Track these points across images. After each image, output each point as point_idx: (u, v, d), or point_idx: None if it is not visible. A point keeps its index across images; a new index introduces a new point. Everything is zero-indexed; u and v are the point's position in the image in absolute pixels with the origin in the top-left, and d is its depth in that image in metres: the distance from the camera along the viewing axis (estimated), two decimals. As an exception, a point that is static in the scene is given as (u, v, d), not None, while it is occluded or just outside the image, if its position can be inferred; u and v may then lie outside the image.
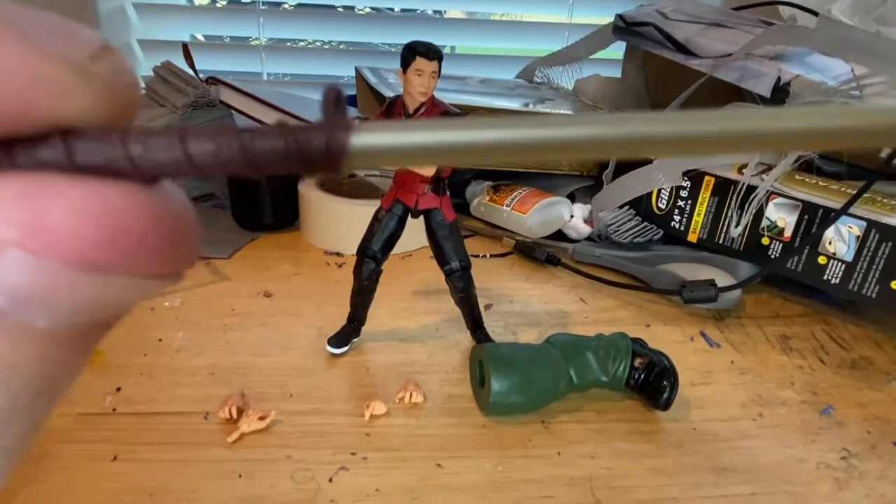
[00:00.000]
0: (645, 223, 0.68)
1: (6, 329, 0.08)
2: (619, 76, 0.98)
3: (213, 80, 0.77)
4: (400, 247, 0.46)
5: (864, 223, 0.53)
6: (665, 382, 0.42)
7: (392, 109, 0.42)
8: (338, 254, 0.65)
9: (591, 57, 0.96)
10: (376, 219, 0.45)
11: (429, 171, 0.40)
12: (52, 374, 0.09)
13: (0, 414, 0.08)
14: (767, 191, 0.59)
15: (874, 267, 0.52)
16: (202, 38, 1.15)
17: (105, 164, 0.08)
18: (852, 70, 0.61)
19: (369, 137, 0.09)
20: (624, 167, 0.70)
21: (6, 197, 0.08)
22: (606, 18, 0.91)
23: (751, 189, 0.60)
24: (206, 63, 0.89)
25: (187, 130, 0.09)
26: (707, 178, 0.64)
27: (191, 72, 0.77)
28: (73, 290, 0.08)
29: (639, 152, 0.10)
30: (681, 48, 0.74)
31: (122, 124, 0.09)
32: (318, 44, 1.22)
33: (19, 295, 0.08)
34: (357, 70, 0.91)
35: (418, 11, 1.14)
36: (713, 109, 0.10)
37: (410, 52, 0.39)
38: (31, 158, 0.08)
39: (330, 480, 0.36)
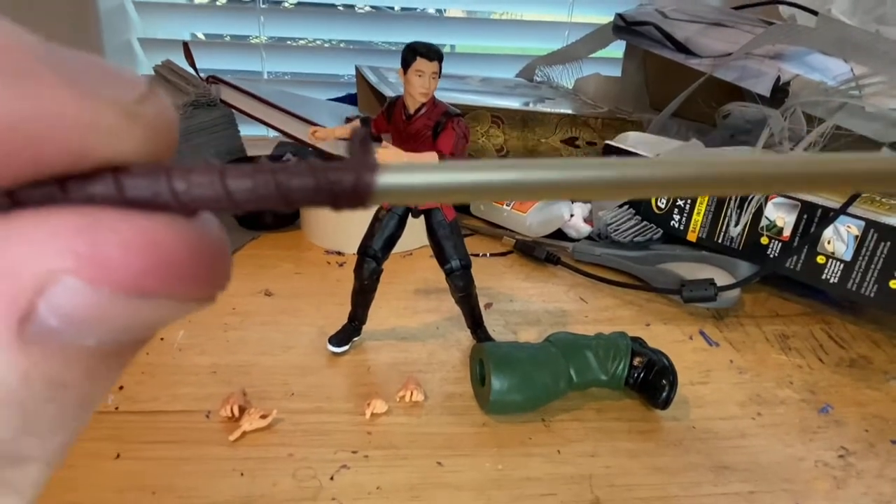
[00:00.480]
0: (644, 222, 0.68)
1: (59, 349, 0.09)
2: (619, 75, 0.98)
3: (214, 79, 0.77)
4: (400, 246, 0.47)
5: (862, 223, 0.53)
6: (664, 381, 0.42)
7: (392, 110, 0.42)
8: (339, 253, 0.66)
9: (591, 56, 0.96)
10: (377, 218, 0.45)
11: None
12: (95, 387, 0.10)
13: (48, 426, 0.09)
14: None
15: (873, 266, 0.53)
16: (203, 37, 1.15)
17: (151, 199, 0.09)
18: (852, 70, 0.61)
19: (393, 177, 0.10)
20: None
21: (63, 229, 0.09)
22: (606, 18, 0.91)
23: (750, 188, 0.60)
24: (207, 62, 0.90)
25: (227, 168, 0.09)
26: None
27: (191, 70, 0.77)
28: (121, 313, 0.09)
29: (643, 194, 0.10)
30: (681, 47, 0.74)
31: (165, 159, 0.10)
32: (318, 42, 1.22)
33: (73, 318, 0.09)
34: (357, 69, 0.91)
35: (418, 10, 1.14)
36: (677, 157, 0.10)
37: (411, 53, 0.39)
38: (84, 194, 0.09)
39: (331, 479, 0.36)
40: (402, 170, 0.10)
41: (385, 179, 0.09)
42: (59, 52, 0.09)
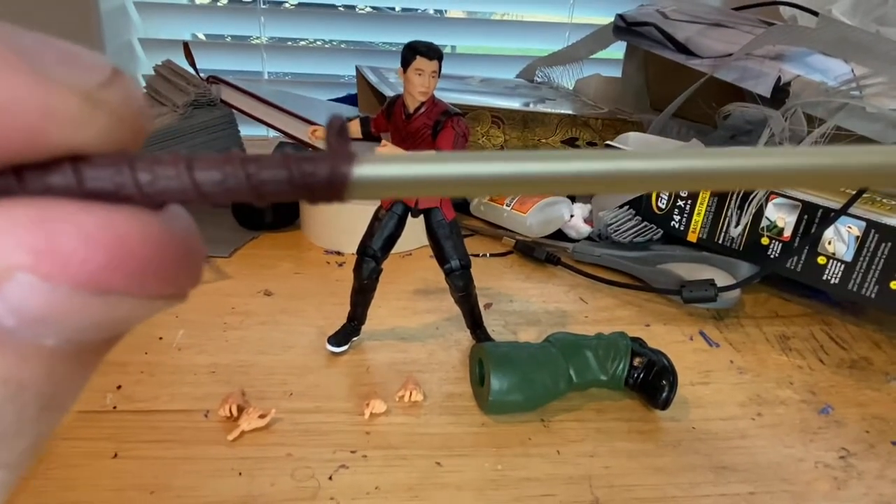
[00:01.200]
0: (645, 223, 0.68)
1: (15, 347, 0.08)
2: (620, 76, 0.98)
3: (214, 79, 0.77)
4: (400, 246, 0.47)
5: (863, 223, 0.53)
6: (664, 382, 0.42)
7: (392, 109, 0.42)
8: (338, 253, 0.66)
9: (591, 57, 0.96)
10: (376, 218, 0.45)
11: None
12: (58, 388, 0.09)
13: (7, 428, 0.09)
14: (767, 191, 0.59)
15: (873, 267, 0.52)
16: (203, 37, 1.15)
17: (114, 191, 0.08)
18: (852, 70, 0.61)
19: (370, 169, 0.09)
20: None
21: (18, 222, 0.08)
22: (607, 18, 0.91)
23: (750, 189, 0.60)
24: (208, 62, 0.90)
25: (194, 158, 0.09)
26: (707, 177, 0.64)
27: (192, 71, 0.77)
28: (81, 310, 0.08)
29: (630, 189, 0.10)
30: (681, 48, 0.74)
31: (131, 149, 0.09)
32: (318, 43, 1.23)
33: (29, 316, 0.08)
34: (358, 69, 0.91)
35: (419, 11, 1.15)
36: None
37: (411, 52, 0.39)
38: (42, 184, 0.08)
39: (330, 478, 0.36)
40: (379, 161, 0.09)
41: (362, 171, 0.09)
42: (14, 31, 0.08)
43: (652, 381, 0.42)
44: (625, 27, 0.83)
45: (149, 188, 0.09)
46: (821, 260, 0.56)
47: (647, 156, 0.10)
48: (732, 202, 0.62)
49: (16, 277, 0.08)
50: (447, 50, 1.19)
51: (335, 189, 0.09)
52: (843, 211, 0.54)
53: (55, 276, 0.08)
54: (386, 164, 0.09)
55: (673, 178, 0.10)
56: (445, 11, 1.17)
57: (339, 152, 0.09)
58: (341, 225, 0.65)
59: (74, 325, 0.08)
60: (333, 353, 0.47)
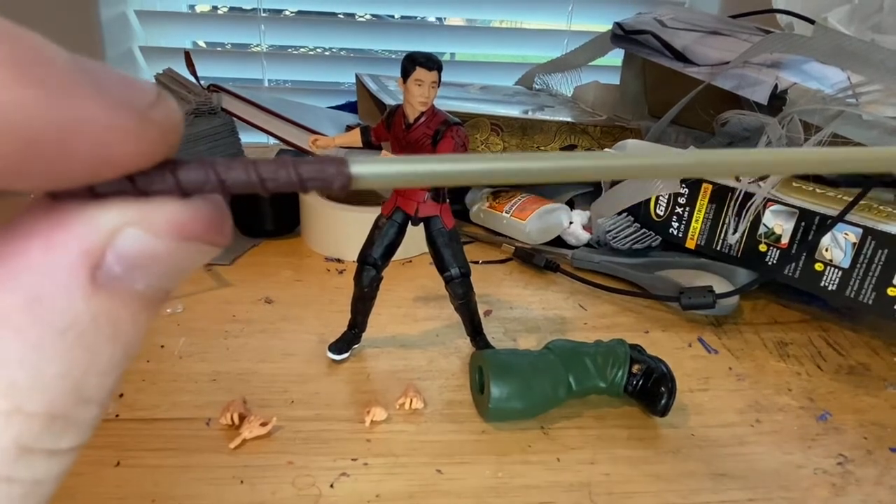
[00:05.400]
0: (643, 230, 0.68)
1: (117, 293, 0.11)
2: (618, 83, 0.98)
3: (215, 88, 0.77)
4: (400, 253, 0.47)
5: (860, 230, 0.53)
6: (663, 388, 0.42)
7: (392, 118, 0.43)
8: (339, 260, 0.66)
9: (589, 64, 0.97)
10: (377, 226, 0.45)
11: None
12: (137, 334, 0.11)
13: (104, 367, 0.11)
14: (764, 198, 0.59)
15: (870, 274, 0.53)
16: (204, 45, 1.16)
17: (166, 191, 0.11)
18: (849, 78, 0.62)
19: (359, 168, 0.12)
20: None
21: (127, 200, 0.11)
22: (605, 26, 0.92)
23: (748, 196, 0.60)
24: (208, 70, 0.90)
25: (259, 162, 0.12)
26: (705, 185, 0.64)
27: (192, 79, 0.78)
28: (171, 255, 0.11)
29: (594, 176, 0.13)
30: (679, 56, 0.75)
31: (171, 156, 0.12)
32: (319, 51, 1.23)
33: (131, 262, 0.11)
34: (357, 77, 0.91)
35: (419, 18, 1.15)
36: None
37: (410, 63, 0.39)
38: (147, 185, 0.11)
39: (331, 486, 0.36)
40: (366, 162, 0.12)
41: (355, 170, 0.12)
42: (86, 63, 0.10)
43: (651, 388, 0.42)
44: (623, 35, 0.83)
45: (227, 182, 0.12)
46: (818, 267, 0.56)
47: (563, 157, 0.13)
48: (730, 209, 0.62)
49: (127, 232, 0.11)
50: (446, 57, 1.20)
51: (343, 188, 0.12)
52: (840, 218, 0.54)
53: (158, 228, 0.11)
54: (376, 165, 0.12)
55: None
56: (445, 19, 1.18)
57: (333, 158, 0.12)
58: (342, 232, 0.65)
59: (160, 270, 0.11)
60: (334, 361, 0.47)
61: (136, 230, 0.11)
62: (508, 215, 0.73)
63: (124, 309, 0.11)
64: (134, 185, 0.11)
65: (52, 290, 0.10)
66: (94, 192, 0.11)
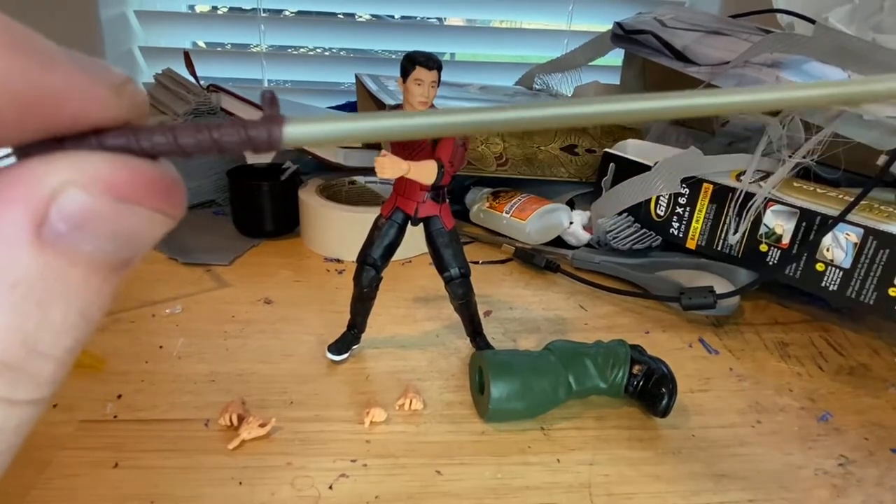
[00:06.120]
0: (644, 230, 0.68)
1: (63, 251, 0.11)
2: (618, 83, 0.98)
3: (215, 88, 0.77)
4: (400, 254, 0.47)
5: (861, 230, 0.53)
6: (663, 389, 0.42)
7: (392, 118, 0.42)
8: (338, 260, 0.66)
9: (590, 64, 0.96)
10: (376, 226, 0.45)
11: (428, 179, 0.40)
12: (90, 298, 0.12)
13: (56, 324, 0.11)
14: (765, 198, 0.59)
15: (871, 274, 0.53)
16: (203, 46, 1.16)
17: (124, 148, 0.12)
18: (849, 77, 0.62)
19: (294, 129, 0.13)
20: (623, 174, 0.71)
21: (70, 159, 0.12)
22: (605, 26, 0.91)
23: (749, 196, 0.60)
24: (208, 70, 0.90)
25: (177, 127, 0.13)
26: (705, 185, 0.64)
27: (192, 79, 0.78)
28: (109, 216, 0.12)
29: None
30: (679, 56, 0.74)
31: (139, 123, 0.13)
32: (318, 51, 1.23)
33: (74, 221, 0.11)
34: (357, 77, 0.91)
35: (418, 18, 1.15)
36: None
37: (410, 62, 0.39)
38: (77, 146, 0.12)
39: (330, 487, 0.36)
40: (300, 122, 0.13)
41: (289, 130, 0.13)
42: (70, 51, 0.12)
43: (651, 389, 0.42)
44: (623, 35, 0.83)
45: (148, 149, 0.13)
46: (819, 267, 0.56)
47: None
48: (731, 209, 0.62)
49: (68, 191, 0.11)
50: (446, 57, 1.19)
51: (272, 145, 0.13)
52: (841, 218, 0.54)
53: (93, 188, 0.11)
54: (305, 125, 0.13)
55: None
56: (445, 19, 1.17)
57: (271, 118, 0.13)
58: (341, 233, 0.65)
59: (104, 231, 0.12)
60: (333, 362, 0.47)
61: (76, 189, 0.11)
62: (508, 215, 0.73)
63: (73, 269, 0.12)
64: (63, 147, 0.12)
65: (0, 245, 0.11)
66: (61, 145, 0.12)
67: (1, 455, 0.12)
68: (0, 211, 0.11)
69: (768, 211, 0.59)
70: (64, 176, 0.11)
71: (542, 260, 0.66)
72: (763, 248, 0.60)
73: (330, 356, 0.47)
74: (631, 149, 0.75)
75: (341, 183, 0.75)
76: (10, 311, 0.11)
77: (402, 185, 0.44)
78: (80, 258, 0.12)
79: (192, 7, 1.13)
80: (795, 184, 0.61)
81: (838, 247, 0.54)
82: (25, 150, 0.12)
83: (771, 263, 0.59)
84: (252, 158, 0.83)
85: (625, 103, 0.13)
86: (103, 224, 0.12)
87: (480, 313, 0.48)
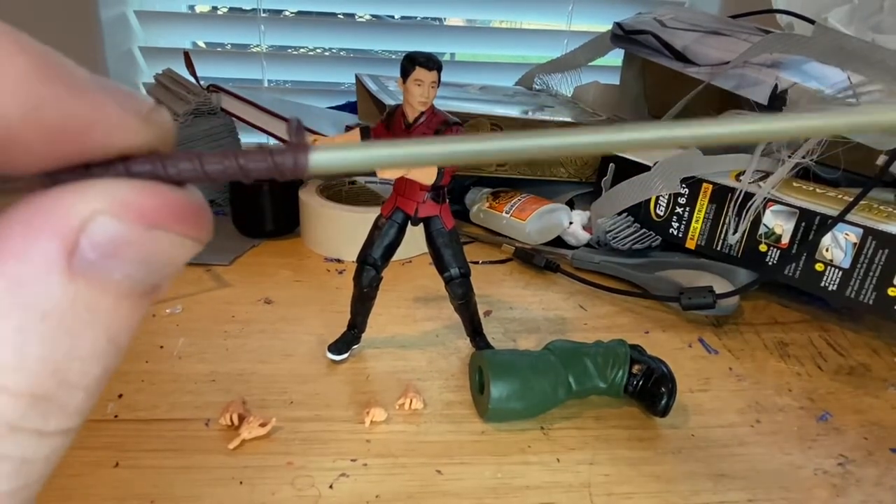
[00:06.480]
0: (643, 230, 0.68)
1: (94, 280, 0.11)
2: (618, 83, 0.98)
3: (215, 88, 0.77)
4: (400, 253, 0.47)
5: (860, 230, 0.53)
6: (663, 389, 0.42)
7: (392, 119, 0.42)
8: (338, 260, 0.66)
9: (589, 64, 0.97)
10: (376, 226, 0.45)
11: (428, 180, 0.40)
12: (119, 324, 0.12)
13: (85, 352, 0.11)
14: (765, 198, 0.59)
15: (871, 274, 0.53)
16: (203, 46, 1.16)
17: (151, 174, 0.12)
18: (848, 78, 0.62)
19: (320, 157, 0.13)
20: (623, 174, 0.71)
21: (100, 186, 0.12)
22: (605, 26, 0.91)
23: (748, 196, 0.60)
24: (208, 70, 0.90)
25: (203, 154, 0.13)
26: (705, 185, 0.64)
27: (192, 79, 0.78)
28: (139, 244, 0.12)
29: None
30: (679, 56, 0.74)
31: (165, 150, 0.13)
32: (318, 51, 1.23)
33: (104, 249, 0.11)
34: (357, 77, 0.91)
35: (418, 19, 1.15)
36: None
37: (410, 63, 0.39)
38: (104, 173, 0.12)
39: (330, 487, 0.36)
40: (325, 150, 0.13)
41: (315, 158, 0.13)
42: (100, 77, 0.12)
43: (651, 389, 0.42)
44: (623, 35, 0.83)
45: (175, 175, 0.13)
46: (818, 267, 0.56)
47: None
48: (730, 209, 0.62)
49: (98, 219, 0.11)
50: (446, 57, 1.20)
51: (298, 172, 0.13)
52: (840, 218, 0.54)
53: (123, 215, 0.11)
54: (329, 152, 0.13)
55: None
56: (444, 19, 1.17)
57: (298, 146, 0.13)
58: (341, 233, 0.65)
59: (134, 257, 0.12)
60: (333, 361, 0.47)
61: (106, 217, 0.11)
62: (508, 215, 0.73)
63: (104, 297, 0.11)
64: (90, 174, 0.12)
65: (31, 275, 0.11)
66: (88, 172, 0.12)
67: (32, 486, 0.11)
68: (30, 240, 0.11)
69: (768, 211, 0.59)
70: (93, 204, 0.11)
71: (541, 260, 0.66)
72: (762, 248, 0.60)
73: (330, 356, 0.47)
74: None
75: (341, 183, 0.75)
76: (41, 341, 0.11)
77: (403, 186, 0.44)
78: (110, 286, 0.11)
79: (192, 7, 1.13)
80: (795, 184, 0.61)
81: (838, 247, 0.55)
82: (53, 177, 0.12)
83: (770, 263, 0.60)
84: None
85: (623, 133, 0.13)
86: (133, 251, 0.12)
87: (480, 313, 0.48)
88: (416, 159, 0.13)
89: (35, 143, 0.11)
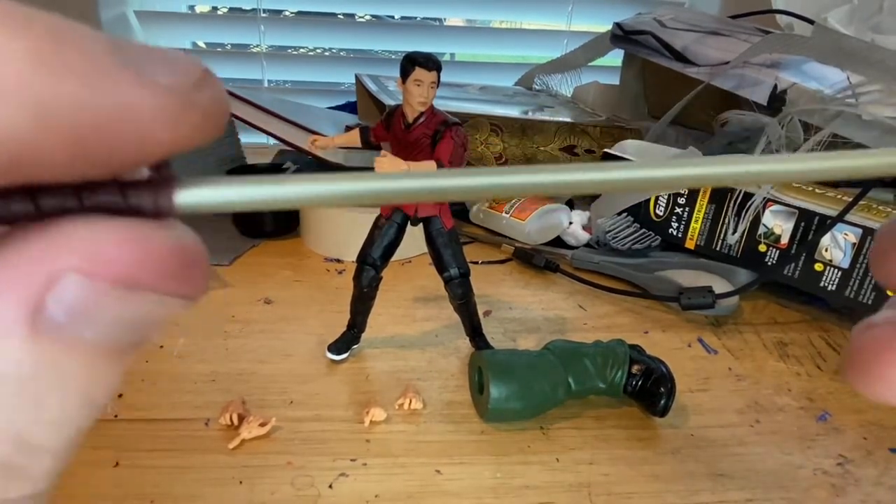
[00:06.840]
0: (643, 230, 0.68)
1: (64, 342, 0.10)
2: (618, 83, 0.98)
3: (215, 88, 0.77)
4: (399, 253, 0.47)
5: (859, 230, 0.53)
6: (662, 389, 0.42)
7: (391, 119, 0.43)
8: (338, 260, 0.66)
9: (589, 64, 0.97)
10: (376, 226, 0.45)
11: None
12: (95, 384, 0.11)
13: (54, 416, 0.10)
14: (764, 198, 0.59)
15: (870, 274, 0.53)
16: (203, 46, 1.16)
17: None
18: (848, 78, 0.62)
19: (189, 195, 0.11)
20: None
21: (68, 235, 0.10)
22: (605, 26, 0.92)
23: (748, 196, 0.60)
24: (208, 70, 0.90)
25: (40, 190, 0.10)
26: (704, 185, 0.64)
27: (192, 79, 0.78)
28: (115, 304, 0.10)
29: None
30: (678, 56, 0.75)
31: (208, 140, 0.11)
32: (318, 51, 1.23)
33: (75, 311, 0.10)
34: (357, 77, 0.91)
35: (418, 19, 1.15)
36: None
37: (409, 63, 0.39)
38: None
39: (330, 487, 0.36)
40: (200, 186, 0.11)
41: (183, 198, 0.11)
42: (122, 44, 0.09)
43: (650, 389, 0.42)
44: (622, 35, 0.83)
45: (6, 216, 0.10)
46: (818, 267, 0.56)
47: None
48: (730, 209, 0.62)
49: (67, 277, 0.10)
50: (446, 58, 1.20)
51: (160, 214, 0.11)
52: (839, 218, 0.54)
53: (97, 275, 0.10)
54: (203, 189, 0.11)
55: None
56: (445, 19, 1.18)
57: (160, 182, 0.11)
58: (341, 233, 0.65)
59: (108, 319, 0.10)
60: (333, 361, 0.47)
61: (76, 276, 0.10)
62: (508, 215, 0.73)
63: (74, 358, 0.10)
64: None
65: None
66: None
67: None
68: None
69: (767, 211, 0.59)
70: (62, 260, 0.10)
71: (541, 260, 0.66)
72: (762, 248, 0.60)
73: (330, 356, 0.47)
74: (630, 149, 0.75)
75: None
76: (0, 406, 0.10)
77: (402, 186, 0.44)
78: (81, 346, 0.10)
79: (192, 7, 1.13)
80: (794, 184, 0.62)
81: (837, 247, 0.55)
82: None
83: (770, 263, 0.60)
84: (252, 159, 0.83)
85: (606, 172, 0.12)
86: (108, 314, 0.10)
87: (480, 313, 0.48)
88: (310, 200, 0.11)
89: (57, 153, 0.09)
